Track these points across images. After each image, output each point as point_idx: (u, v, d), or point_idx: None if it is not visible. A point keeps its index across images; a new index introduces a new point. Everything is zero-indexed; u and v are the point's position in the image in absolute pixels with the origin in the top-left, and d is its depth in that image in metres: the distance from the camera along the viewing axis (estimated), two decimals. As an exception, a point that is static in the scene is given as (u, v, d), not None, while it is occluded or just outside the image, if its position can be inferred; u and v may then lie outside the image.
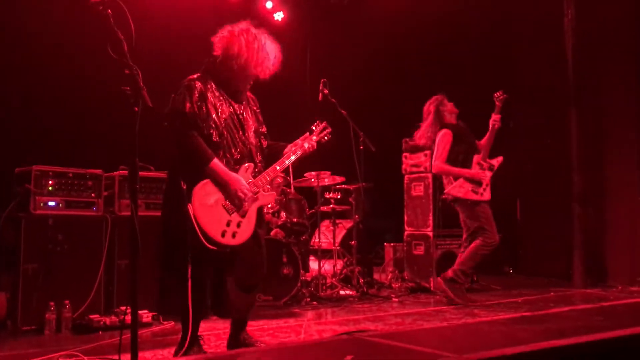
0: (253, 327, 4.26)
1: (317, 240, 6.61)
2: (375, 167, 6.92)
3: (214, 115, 3.30)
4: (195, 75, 3.39)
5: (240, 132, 3.42)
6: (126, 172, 4.40)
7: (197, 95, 3.27)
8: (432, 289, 6.51)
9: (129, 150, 2.36)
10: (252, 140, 3.49)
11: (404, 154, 7.13)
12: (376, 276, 7.30)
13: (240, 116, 3.46)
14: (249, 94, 3.64)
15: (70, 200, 4.61)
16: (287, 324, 4.66)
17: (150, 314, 4.57)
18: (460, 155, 5.64)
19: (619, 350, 1.65)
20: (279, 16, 9.08)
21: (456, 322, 4.43)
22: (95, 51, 4.98)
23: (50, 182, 4.52)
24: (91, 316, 4.37)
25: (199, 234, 3.13)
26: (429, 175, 6.76)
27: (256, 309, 5.25)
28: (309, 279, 6.16)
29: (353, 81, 8.56)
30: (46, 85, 6.30)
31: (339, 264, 6.68)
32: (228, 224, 3.25)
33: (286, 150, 3.65)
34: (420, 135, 5.86)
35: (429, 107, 5.82)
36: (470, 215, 5.60)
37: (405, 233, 7.05)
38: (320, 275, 6.10)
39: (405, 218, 7.08)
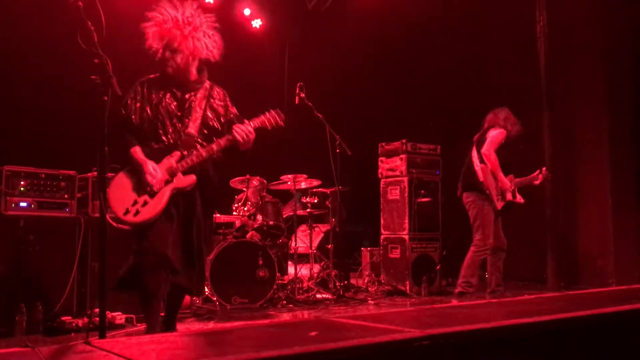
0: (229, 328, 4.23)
1: (294, 244, 6.62)
2: (352, 171, 6.96)
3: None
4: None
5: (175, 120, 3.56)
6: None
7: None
8: (407, 292, 6.55)
9: (98, 140, 2.36)
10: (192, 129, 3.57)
11: (380, 158, 7.18)
12: (353, 281, 7.32)
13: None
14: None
15: (42, 201, 4.55)
16: (262, 325, 4.66)
17: (124, 316, 4.53)
18: (501, 158, 5.75)
19: (576, 330, 1.69)
20: (257, 23, 9.11)
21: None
22: (64, 48, 4.95)
23: (22, 182, 4.47)
24: (63, 318, 4.31)
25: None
26: (405, 179, 6.81)
27: (231, 312, 5.28)
28: (285, 282, 6.16)
29: (330, 86, 8.61)
30: (15, 84, 6.23)
31: (316, 267, 6.69)
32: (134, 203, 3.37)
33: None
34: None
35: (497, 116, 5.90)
36: (478, 209, 5.68)
37: (382, 237, 7.08)
38: (296, 278, 6.10)
39: (382, 222, 7.11)
